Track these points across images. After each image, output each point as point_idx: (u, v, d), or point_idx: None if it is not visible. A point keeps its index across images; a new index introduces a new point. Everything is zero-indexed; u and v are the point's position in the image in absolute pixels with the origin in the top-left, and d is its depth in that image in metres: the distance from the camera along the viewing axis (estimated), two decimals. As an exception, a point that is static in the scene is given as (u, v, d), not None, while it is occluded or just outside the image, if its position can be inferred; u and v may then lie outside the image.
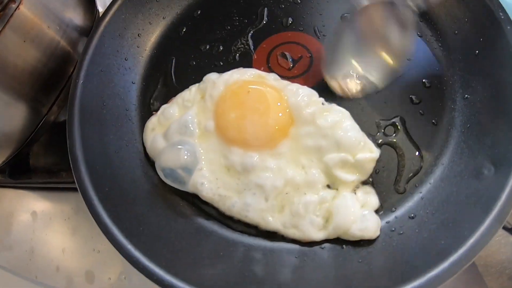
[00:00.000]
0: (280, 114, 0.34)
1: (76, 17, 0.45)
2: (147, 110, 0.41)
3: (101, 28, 0.41)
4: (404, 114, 0.37)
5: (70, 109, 0.37)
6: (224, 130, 0.35)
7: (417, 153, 0.36)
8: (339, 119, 0.34)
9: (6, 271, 0.61)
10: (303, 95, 0.35)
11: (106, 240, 0.43)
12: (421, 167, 0.35)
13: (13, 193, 0.54)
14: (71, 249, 0.47)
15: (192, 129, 0.36)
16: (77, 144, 0.35)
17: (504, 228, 0.32)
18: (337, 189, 0.33)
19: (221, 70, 0.40)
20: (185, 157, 0.34)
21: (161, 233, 0.33)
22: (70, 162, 0.35)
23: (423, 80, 0.39)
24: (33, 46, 0.39)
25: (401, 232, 0.32)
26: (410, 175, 0.35)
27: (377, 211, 0.33)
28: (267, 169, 0.33)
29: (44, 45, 0.40)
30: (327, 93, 0.37)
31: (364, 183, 0.34)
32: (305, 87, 0.36)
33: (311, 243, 0.32)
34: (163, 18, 0.46)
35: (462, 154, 0.35)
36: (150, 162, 0.38)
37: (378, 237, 0.32)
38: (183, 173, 0.34)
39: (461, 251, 0.27)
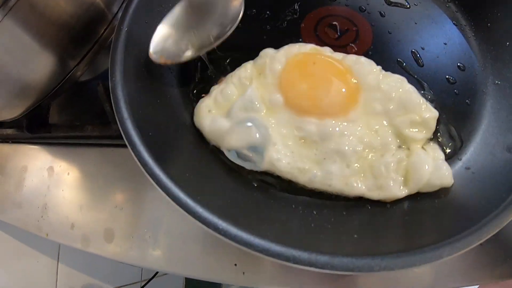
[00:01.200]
0: (349, 82, 0.35)
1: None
2: (189, 67, 0.41)
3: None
4: (441, 92, 0.39)
5: (113, 54, 0.36)
6: (296, 102, 0.35)
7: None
8: (400, 83, 0.36)
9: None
10: (364, 64, 0.36)
11: (131, 197, 0.44)
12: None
13: (29, 149, 0.53)
14: (90, 206, 0.45)
15: (257, 104, 0.35)
16: (119, 86, 0.34)
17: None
18: (408, 148, 0.35)
19: (269, 34, 0.41)
20: (257, 133, 0.34)
21: (210, 183, 0.33)
22: (112, 103, 0.33)
23: (458, 64, 0.41)
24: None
25: (474, 172, 0.34)
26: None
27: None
28: (345, 135, 0.33)
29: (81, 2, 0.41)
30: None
31: (429, 139, 0.36)
32: (363, 56, 0.38)
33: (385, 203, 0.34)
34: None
35: (493, 132, 0.37)
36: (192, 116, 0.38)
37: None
38: (257, 150, 0.34)
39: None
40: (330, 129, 0.34)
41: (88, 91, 0.51)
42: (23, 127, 0.51)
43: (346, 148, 0.33)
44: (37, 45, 0.39)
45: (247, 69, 0.39)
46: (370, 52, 0.41)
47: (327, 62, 0.36)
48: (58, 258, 0.70)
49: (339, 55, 0.38)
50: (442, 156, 0.35)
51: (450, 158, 0.36)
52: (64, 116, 0.53)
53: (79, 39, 0.43)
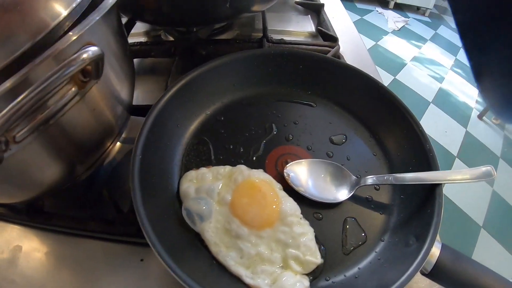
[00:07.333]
0: (273, 213, 0.53)
1: (125, 99, 0.59)
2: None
3: (151, 118, 0.56)
4: (362, 208, 0.57)
5: (132, 173, 0.50)
6: (234, 206, 0.53)
7: (363, 234, 0.54)
8: (305, 232, 0.53)
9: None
10: (291, 207, 0.54)
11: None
12: (364, 242, 0.54)
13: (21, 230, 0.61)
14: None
15: (215, 194, 0.55)
16: (138, 197, 0.49)
17: (422, 273, 0.48)
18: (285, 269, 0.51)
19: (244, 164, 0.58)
20: (203, 208, 0.53)
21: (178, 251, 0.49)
22: (136, 213, 0.47)
23: (375, 186, 0.59)
24: (93, 118, 0.50)
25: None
26: (356, 247, 0.53)
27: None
28: (249, 242, 0.51)
29: (101, 120, 0.52)
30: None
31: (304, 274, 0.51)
32: (295, 203, 0.55)
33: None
34: (196, 115, 0.65)
35: (397, 232, 0.53)
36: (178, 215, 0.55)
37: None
38: (198, 218, 0.53)
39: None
40: (244, 234, 0.51)
41: (86, 190, 0.62)
42: (16, 208, 0.59)
43: (245, 249, 0.50)
44: (56, 158, 0.48)
45: (225, 170, 0.58)
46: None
47: (269, 193, 0.54)
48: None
49: (282, 193, 0.56)
50: (306, 284, 0.49)
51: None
52: (65, 206, 0.62)
53: (89, 152, 0.54)
